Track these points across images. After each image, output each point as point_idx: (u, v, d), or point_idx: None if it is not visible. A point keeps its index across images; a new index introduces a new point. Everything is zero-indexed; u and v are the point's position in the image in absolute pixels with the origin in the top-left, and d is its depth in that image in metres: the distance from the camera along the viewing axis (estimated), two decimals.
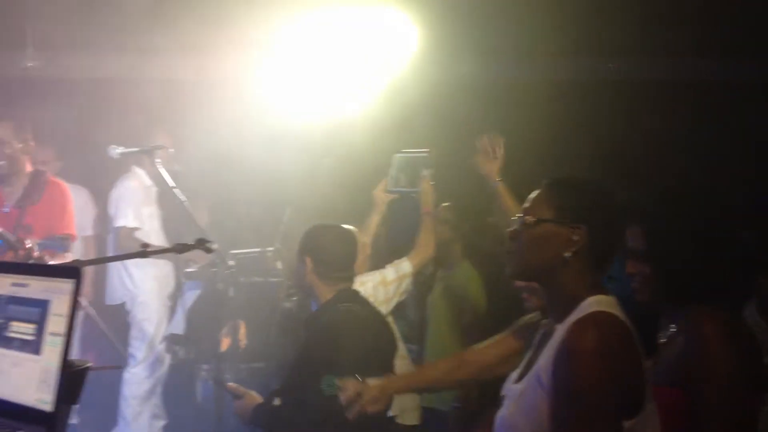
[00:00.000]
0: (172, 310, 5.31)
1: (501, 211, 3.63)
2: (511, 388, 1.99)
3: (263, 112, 5.12)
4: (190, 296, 4.77)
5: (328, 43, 4.96)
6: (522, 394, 1.91)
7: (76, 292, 1.59)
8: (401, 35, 4.98)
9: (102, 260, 2.68)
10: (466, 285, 4.11)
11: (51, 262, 3.75)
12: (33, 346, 1.62)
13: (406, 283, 3.65)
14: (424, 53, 5.09)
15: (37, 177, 4.25)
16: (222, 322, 4.71)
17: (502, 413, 1.98)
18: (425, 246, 3.73)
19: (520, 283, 2.82)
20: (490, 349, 2.71)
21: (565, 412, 1.78)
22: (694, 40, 5.65)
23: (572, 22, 5.38)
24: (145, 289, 5.08)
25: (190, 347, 5.19)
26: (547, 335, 1.96)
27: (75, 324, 1.59)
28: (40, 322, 1.62)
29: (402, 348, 3.59)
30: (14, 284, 1.70)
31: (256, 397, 2.95)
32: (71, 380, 1.60)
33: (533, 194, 2.01)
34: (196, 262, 5.05)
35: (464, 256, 4.22)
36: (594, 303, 1.87)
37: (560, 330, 1.88)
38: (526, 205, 2.00)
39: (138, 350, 5.03)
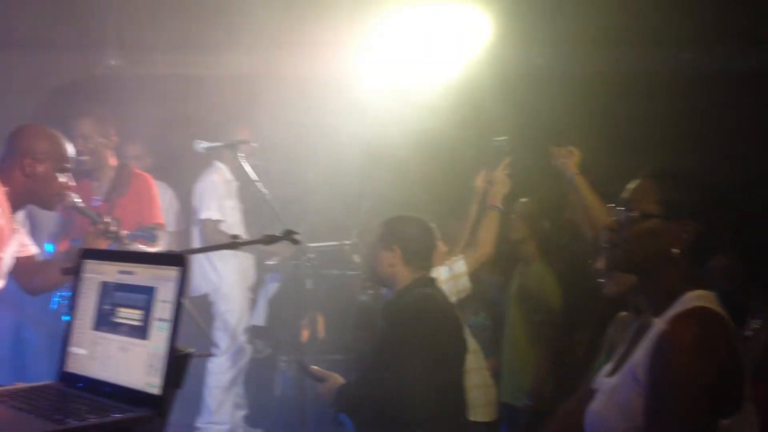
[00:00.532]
0: (254, 302, 5.41)
1: (575, 205, 3.59)
2: (604, 381, 1.97)
3: (342, 107, 5.17)
4: (271, 288, 4.84)
5: (406, 37, 4.98)
6: (616, 388, 1.89)
7: (183, 280, 1.63)
8: (476, 27, 4.96)
9: (200, 250, 2.76)
10: (541, 282, 4.06)
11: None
12: (140, 332, 1.67)
13: (462, 282, 3.60)
14: (499, 45, 5.06)
15: (122, 170, 4.37)
16: (301, 314, 4.77)
17: (595, 407, 1.95)
18: (485, 243, 3.67)
19: (601, 265, 2.79)
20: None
21: (661, 407, 1.74)
22: None
23: (649, 11, 5.28)
24: (228, 281, 5.19)
25: (270, 339, 5.28)
26: (642, 329, 1.93)
27: (181, 310, 1.63)
28: (147, 309, 1.67)
29: (473, 342, 3.58)
30: (121, 272, 1.76)
31: (339, 379, 3.00)
32: (177, 365, 1.65)
33: (633, 185, 1.97)
34: (277, 254, 5.13)
35: (540, 253, 4.17)
36: (695, 298, 1.83)
37: (658, 324, 1.84)
38: (628, 196, 1.96)
39: (221, 341, 5.13)
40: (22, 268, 3.09)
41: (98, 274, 1.80)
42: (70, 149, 2.99)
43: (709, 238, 1.89)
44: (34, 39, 5.61)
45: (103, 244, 3.02)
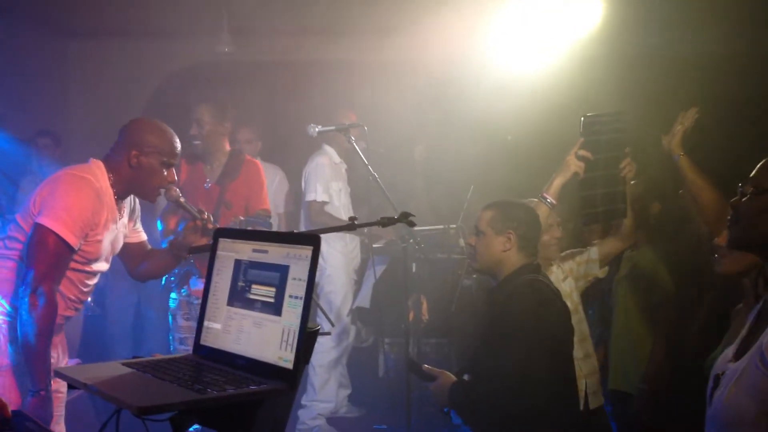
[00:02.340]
0: (358, 284, 5.49)
1: (685, 186, 3.47)
2: (728, 366, 1.92)
3: (446, 93, 5.18)
4: (377, 271, 4.90)
5: (516, 21, 4.93)
6: (742, 373, 1.84)
7: (315, 259, 1.68)
8: (587, 10, 4.87)
9: (323, 231, 2.80)
10: (655, 264, 3.96)
11: None
12: (274, 308, 1.73)
13: (591, 268, 3.58)
14: (612, 25, 4.95)
15: (235, 156, 4.50)
16: (406, 297, 4.81)
17: (721, 394, 1.91)
18: (629, 235, 3.57)
19: (721, 241, 2.70)
20: None
21: None
22: None
23: None
24: (333, 263, 5.29)
25: (374, 321, 5.35)
26: (766, 311, 1.88)
27: (313, 288, 1.68)
28: (280, 286, 1.73)
29: (584, 329, 3.54)
30: (255, 250, 1.82)
31: (450, 376, 2.94)
32: (307, 341, 1.71)
33: (762, 163, 1.94)
34: (383, 237, 5.19)
35: (649, 236, 4.07)
36: None
37: None
38: (754, 174, 1.93)
39: (325, 321, 5.23)
40: (131, 253, 3.22)
41: (233, 252, 1.87)
42: (177, 145, 3.06)
43: None
44: (150, 28, 5.82)
45: (201, 241, 3.12)
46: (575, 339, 3.40)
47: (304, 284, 1.69)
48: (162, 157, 3.00)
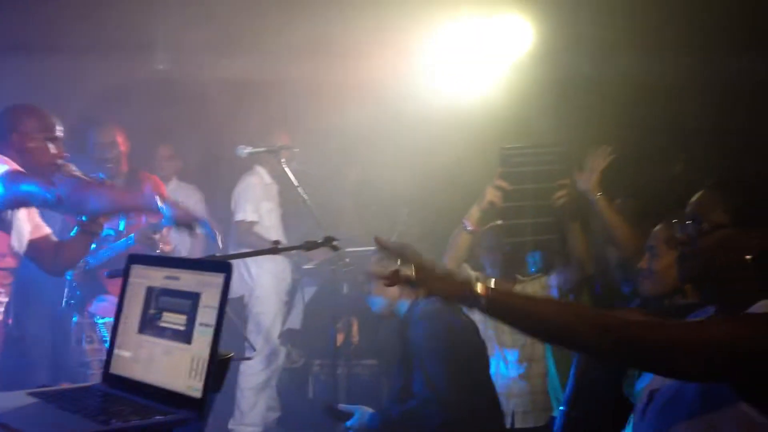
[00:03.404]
0: (289, 306, 5.45)
1: (603, 224, 3.54)
2: (664, 383, 1.96)
3: (379, 114, 5.20)
4: (308, 293, 4.88)
5: (445, 44, 4.99)
6: (678, 391, 1.89)
7: (227, 286, 1.67)
8: (517, 34, 4.97)
9: (235, 256, 2.78)
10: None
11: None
12: (184, 336, 1.70)
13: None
14: (541, 51, 5.06)
15: (133, 174, 4.50)
16: (337, 319, 4.80)
17: (655, 410, 1.96)
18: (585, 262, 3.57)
19: (643, 264, 2.77)
20: (628, 312, 2.32)
21: None
22: None
23: (700, 17, 5.23)
24: (262, 284, 5.25)
25: (304, 343, 5.32)
26: None
27: (224, 316, 1.66)
28: (191, 314, 1.71)
29: (537, 351, 3.59)
30: (167, 277, 1.80)
31: (365, 410, 3.01)
32: (217, 369, 1.69)
33: (698, 197, 1.98)
34: (314, 259, 5.17)
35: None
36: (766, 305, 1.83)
37: None
38: (694, 209, 1.96)
39: (254, 343, 5.18)
40: (39, 249, 3.17)
41: (145, 278, 1.84)
42: (53, 119, 3.11)
43: None
44: (82, 43, 5.71)
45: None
46: (513, 359, 3.46)
47: (215, 312, 1.67)
48: (42, 133, 3.03)
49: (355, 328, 4.98)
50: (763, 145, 5.43)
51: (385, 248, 1.99)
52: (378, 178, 5.32)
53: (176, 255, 4.75)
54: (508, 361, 3.55)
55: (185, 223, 2.82)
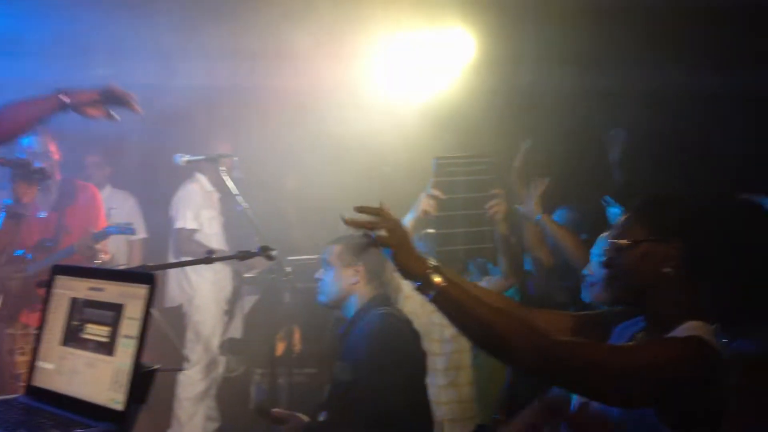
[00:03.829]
0: (230, 314, 5.41)
1: (553, 239, 3.62)
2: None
3: (321, 121, 5.19)
4: (248, 301, 4.85)
5: (388, 54, 5.02)
6: (607, 408, 1.93)
7: (150, 298, 1.66)
8: (460, 45, 5.02)
9: (167, 266, 2.76)
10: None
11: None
12: (107, 348, 1.69)
13: None
14: (483, 62, 5.12)
15: (67, 182, 4.45)
16: (278, 327, 4.78)
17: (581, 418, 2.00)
18: (510, 274, 3.54)
19: (599, 298, 2.83)
20: (552, 315, 2.33)
21: None
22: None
23: (636, 30, 5.35)
24: (202, 292, 5.20)
25: (245, 352, 5.28)
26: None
27: (147, 328, 1.65)
28: (114, 325, 1.69)
29: (464, 359, 3.62)
30: (91, 288, 1.78)
31: (301, 418, 2.93)
32: (141, 381, 1.67)
33: (622, 220, 2.03)
34: (255, 267, 5.14)
35: None
36: (691, 328, 1.86)
37: None
38: (617, 231, 2.01)
39: (192, 352, 5.13)
40: None
41: (69, 290, 1.82)
42: None
43: (700, 257, 1.92)
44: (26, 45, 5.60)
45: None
46: (441, 367, 3.47)
47: (139, 324, 1.66)
48: None
49: (296, 336, 4.95)
50: (695, 148, 5.59)
51: (363, 211, 2.00)
52: (320, 185, 5.31)
53: (114, 263, 4.69)
54: (437, 369, 3.58)
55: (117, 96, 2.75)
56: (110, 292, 1.73)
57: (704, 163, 5.51)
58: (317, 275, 3.20)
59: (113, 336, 1.69)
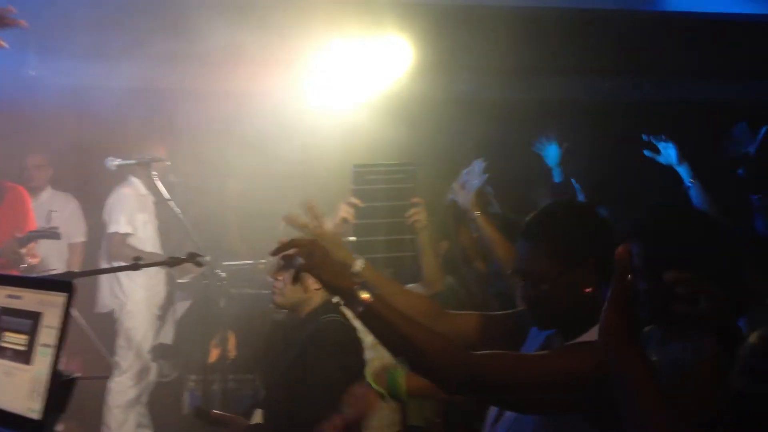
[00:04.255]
0: (162, 320, 5.34)
1: (483, 240, 3.65)
2: None
3: (260, 125, 5.18)
4: (181, 307, 4.80)
5: (326, 59, 5.04)
6: None
7: (68, 306, 1.64)
8: (397, 55, 5.07)
9: (94, 272, 2.73)
10: (445, 297, 4.12)
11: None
12: (24, 357, 1.66)
13: None
14: (420, 72, 5.17)
15: None
16: (212, 333, 4.74)
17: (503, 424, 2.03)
18: (432, 281, 3.59)
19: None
20: (472, 318, 2.35)
21: None
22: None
23: (569, 41, 5.47)
24: (134, 298, 5.12)
25: (178, 358, 5.22)
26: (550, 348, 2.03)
27: (66, 336, 1.63)
28: (32, 334, 1.66)
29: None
30: (9, 296, 1.75)
31: (242, 421, 2.93)
32: (60, 390, 1.65)
33: (522, 251, 2.03)
34: (189, 272, 5.10)
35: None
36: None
37: None
38: (522, 266, 2.01)
39: (123, 359, 5.05)
40: None
41: None
42: None
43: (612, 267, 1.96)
44: None
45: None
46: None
47: (57, 332, 1.64)
48: None
49: (231, 342, 4.92)
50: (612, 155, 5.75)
51: (279, 249, 2.00)
52: (259, 189, 5.29)
53: (47, 268, 4.60)
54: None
55: None
56: (28, 299, 1.71)
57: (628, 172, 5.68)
58: (272, 276, 3.20)
59: (31, 344, 1.66)
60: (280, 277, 3.11)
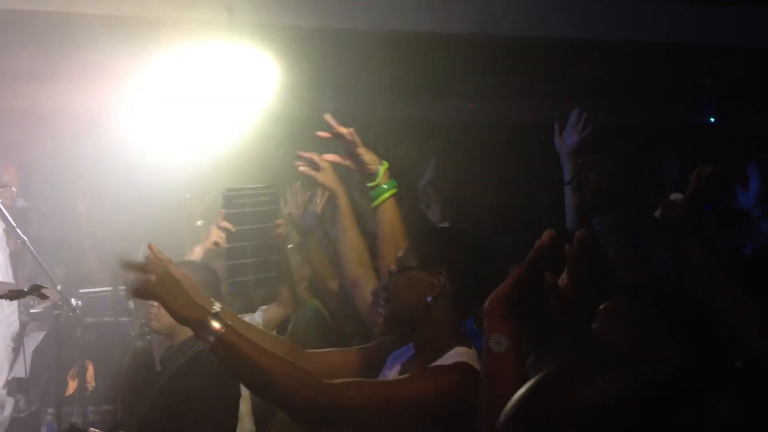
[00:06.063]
0: (16, 352, 5.06)
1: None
2: None
3: (121, 147, 5.03)
4: (36, 338, 4.58)
5: (190, 79, 4.94)
6: None
7: None
8: (262, 75, 5.02)
9: None
10: (311, 318, 4.11)
11: None
12: None
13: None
14: (286, 91, 5.15)
15: None
16: (69, 364, 4.54)
17: None
18: (289, 302, 3.63)
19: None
20: (332, 355, 2.42)
21: None
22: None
23: (434, 63, 5.59)
24: None
25: (33, 392, 4.97)
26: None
27: None
28: None
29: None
30: None
31: None
32: None
33: (407, 244, 2.14)
34: (41, 302, 4.85)
35: (311, 294, 4.20)
36: (458, 354, 1.94)
37: None
38: (400, 254, 2.09)
39: None
40: None
41: None
42: None
43: (462, 287, 1.99)
44: None
45: None
46: (244, 395, 3.46)
47: None
48: None
49: (90, 373, 4.71)
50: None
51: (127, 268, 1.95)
52: (112, 211, 5.13)
53: None
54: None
55: None
56: None
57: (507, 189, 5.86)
58: (131, 301, 3.15)
59: None
60: (156, 303, 3.06)
